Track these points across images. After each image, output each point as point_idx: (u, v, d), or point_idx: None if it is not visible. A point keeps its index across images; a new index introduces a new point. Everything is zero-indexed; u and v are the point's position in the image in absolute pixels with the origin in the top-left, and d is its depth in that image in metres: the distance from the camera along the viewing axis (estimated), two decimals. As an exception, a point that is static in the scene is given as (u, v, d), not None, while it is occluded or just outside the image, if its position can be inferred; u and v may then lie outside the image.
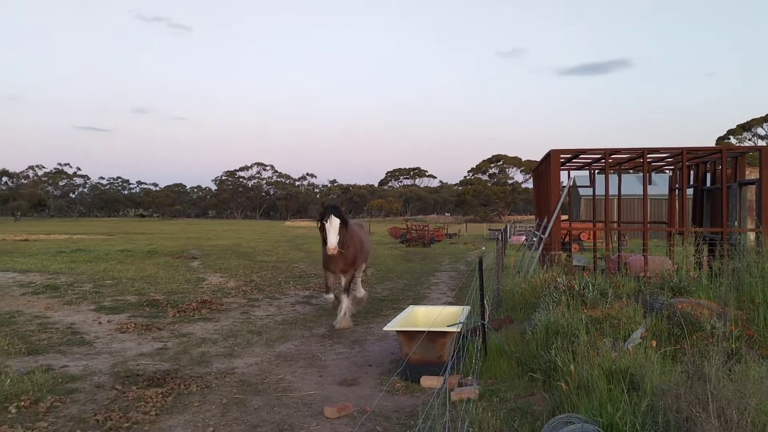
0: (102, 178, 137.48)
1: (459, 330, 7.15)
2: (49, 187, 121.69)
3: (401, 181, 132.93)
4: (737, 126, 68.61)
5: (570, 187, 18.20)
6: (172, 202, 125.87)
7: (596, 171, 18.62)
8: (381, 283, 16.79)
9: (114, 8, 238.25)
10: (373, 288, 15.60)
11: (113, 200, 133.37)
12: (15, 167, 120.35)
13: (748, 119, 67.80)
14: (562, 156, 14.73)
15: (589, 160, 16.50)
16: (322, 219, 10.06)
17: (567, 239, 20.89)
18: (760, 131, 67.69)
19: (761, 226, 12.19)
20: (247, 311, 11.88)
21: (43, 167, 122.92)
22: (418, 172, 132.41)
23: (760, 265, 8.29)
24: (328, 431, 5.46)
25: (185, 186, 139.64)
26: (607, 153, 14.10)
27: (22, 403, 6.01)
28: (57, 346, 8.69)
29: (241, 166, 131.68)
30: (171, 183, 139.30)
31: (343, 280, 10.76)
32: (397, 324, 7.56)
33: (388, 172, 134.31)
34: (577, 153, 14.70)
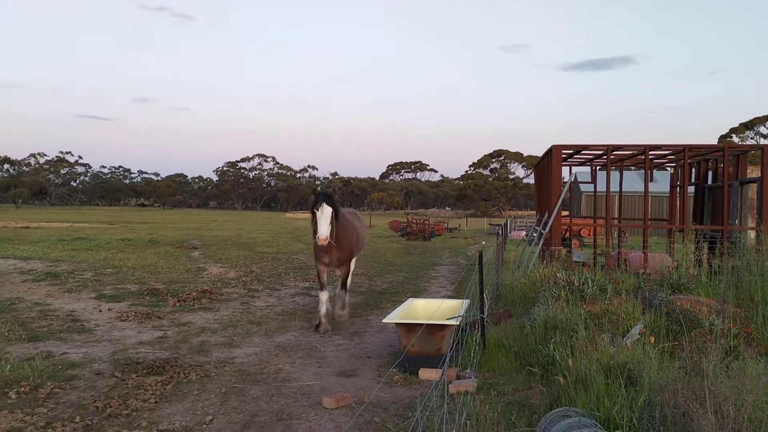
0: (103, 166, 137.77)
1: (458, 323, 7.18)
2: (51, 175, 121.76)
3: (402, 175, 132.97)
4: (740, 124, 68.44)
5: (571, 182, 18.19)
6: (173, 192, 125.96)
7: (598, 167, 18.60)
8: (381, 276, 16.81)
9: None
10: (372, 281, 15.63)
11: (114, 189, 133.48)
12: (16, 155, 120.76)
13: (751, 118, 67.63)
14: (563, 151, 14.71)
15: (591, 156, 16.48)
16: (313, 207, 9.20)
17: (567, 235, 20.90)
18: (763, 130, 67.53)
19: (762, 224, 12.19)
20: (247, 302, 11.91)
21: (45, 155, 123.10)
22: (420, 166, 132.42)
23: (759, 264, 8.30)
24: (327, 421, 5.49)
25: (186, 176, 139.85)
26: (609, 149, 14.08)
27: (22, 389, 6.04)
28: (57, 333, 8.72)
29: (242, 157, 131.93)
30: (172, 173, 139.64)
31: (339, 273, 10.15)
32: (396, 316, 7.58)
33: (389, 166, 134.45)
34: (579, 149, 14.68)
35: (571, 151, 15.17)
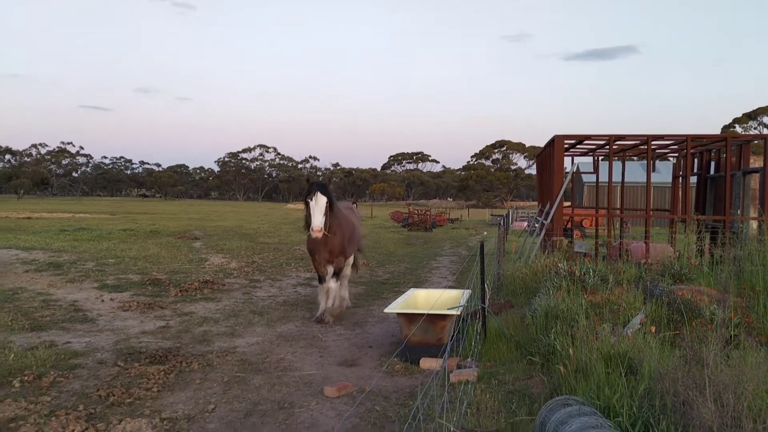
0: (105, 157, 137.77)
1: (459, 313, 7.19)
2: (52, 166, 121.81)
3: (404, 166, 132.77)
4: (743, 115, 68.18)
5: (573, 173, 18.17)
6: (175, 182, 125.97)
7: (600, 157, 18.57)
8: (382, 266, 16.84)
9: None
10: (374, 271, 15.66)
11: (116, 180, 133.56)
12: (18, 145, 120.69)
13: (755, 108, 67.36)
14: (566, 141, 14.68)
15: (593, 147, 16.44)
16: (307, 197, 8.76)
17: (569, 225, 20.89)
18: (766, 120, 67.27)
19: (764, 214, 12.18)
20: (249, 292, 11.94)
21: (46, 145, 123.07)
22: (421, 157, 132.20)
23: (761, 254, 8.29)
24: (328, 410, 5.52)
25: (188, 167, 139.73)
26: (612, 139, 14.05)
27: (26, 378, 6.08)
28: (60, 323, 8.76)
29: (243, 147, 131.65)
30: (173, 163, 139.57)
31: (330, 269, 9.56)
32: (397, 306, 7.60)
33: (390, 156, 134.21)
34: (581, 139, 14.64)
35: (573, 142, 15.14)
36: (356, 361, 7.27)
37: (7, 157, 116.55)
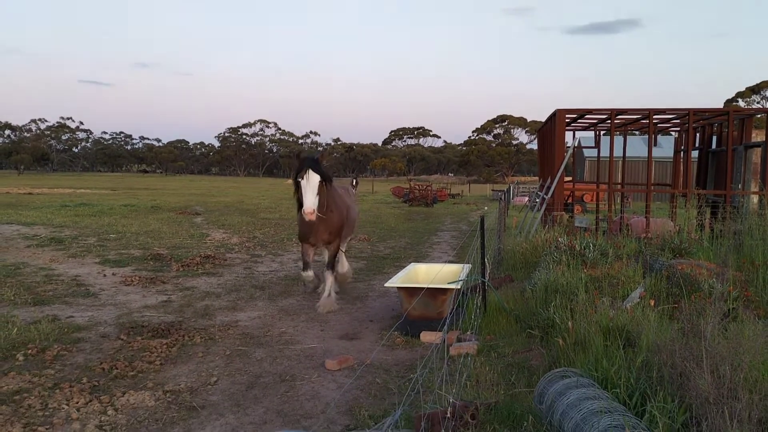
0: (105, 132, 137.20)
1: (459, 287, 7.23)
2: (52, 141, 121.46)
3: (405, 141, 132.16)
4: (746, 88, 67.70)
5: (575, 147, 18.10)
6: (175, 158, 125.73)
7: (601, 132, 18.48)
8: (383, 241, 16.88)
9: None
10: (375, 246, 15.70)
11: (116, 155, 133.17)
12: (17, 120, 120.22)
13: (758, 81, 66.82)
14: (567, 116, 14.60)
15: (595, 121, 16.36)
16: (298, 175, 7.85)
17: (570, 200, 20.88)
18: (770, 94, 66.77)
19: (765, 188, 12.15)
20: (250, 267, 11.99)
21: (46, 121, 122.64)
22: (422, 132, 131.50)
23: (761, 228, 8.30)
24: (329, 382, 5.58)
25: (188, 142, 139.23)
26: (613, 113, 13.96)
27: (29, 351, 6.14)
28: (62, 298, 8.82)
29: (244, 122, 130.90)
30: (174, 139, 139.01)
31: (326, 254, 8.82)
32: (398, 281, 7.64)
33: (391, 132, 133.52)
34: (582, 113, 14.56)
35: (574, 116, 15.05)
36: (357, 334, 7.33)
37: (7, 132, 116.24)
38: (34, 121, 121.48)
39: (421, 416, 3.98)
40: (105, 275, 10.61)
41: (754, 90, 67.31)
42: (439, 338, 6.41)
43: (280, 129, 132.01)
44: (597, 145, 18.43)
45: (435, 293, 7.04)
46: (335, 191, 8.78)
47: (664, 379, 3.80)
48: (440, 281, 7.56)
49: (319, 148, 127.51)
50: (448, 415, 3.80)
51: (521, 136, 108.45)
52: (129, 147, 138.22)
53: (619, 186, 18.29)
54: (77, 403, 4.89)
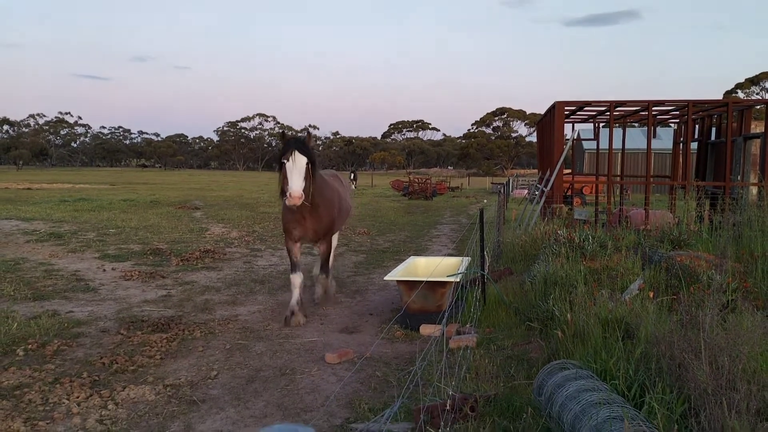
0: (103, 127, 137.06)
1: (458, 280, 7.24)
2: (51, 136, 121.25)
3: (404, 134, 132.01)
4: (746, 80, 67.58)
5: (574, 140, 18.09)
6: (174, 152, 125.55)
7: (600, 124, 18.46)
8: (383, 234, 16.88)
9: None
10: (374, 240, 15.70)
11: (115, 150, 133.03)
12: (15, 115, 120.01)
13: (758, 72, 66.68)
14: (566, 108, 14.59)
15: (594, 113, 16.34)
16: (282, 157, 6.91)
17: (569, 193, 20.88)
18: (769, 85, 66.66)
19: (764, 180, 12.15)
20: (250, 261, 12.00)
21: (44, 116, 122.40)
22: (422, 125, 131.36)
23: (760, 219, 8.30)
24: (329, 375, 5.59)
25: (187, 136, 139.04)
26: (612, 105, 13.94)
27: (30, 346, 6.15)
28: (62, 293, 8.82)
29: (243, 116, 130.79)
30: (172, 133, 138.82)
31: (317, 251, 8.03)
32: (397, 274, 7.64)
33: (391, 125, 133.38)
34: (581, 105, 14.54)
35: (573, 108, 15.03)
36: (357, 328, 7.34)
37: (5, 127, 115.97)
38: (32, 116, 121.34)
39: (421, 409, 3.99)
40: (105, 270, 10.62)
41: (754, 81, 67.18)
42: (438, 331, 6.42)
43: (279, 123, 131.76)
44: (596, 137, 18.40)
45: (434, 286, 7.05)
46: (324, 178, 7.83)
47: (662, 370, 3.81)
48: (439, 274, 7.57)
49: (318, 142, 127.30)
50: (448, 407, 3.81)
51: (520, 129, 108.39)
52: (128, 141, 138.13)
53: (618, 178, 18.29)
54: (78, 397, 4.90)
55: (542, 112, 18.25)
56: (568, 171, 20.49)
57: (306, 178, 6.87)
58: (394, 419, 4.20)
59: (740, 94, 65.97)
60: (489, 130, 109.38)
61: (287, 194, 6.81)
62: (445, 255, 11.81)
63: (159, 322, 7.18)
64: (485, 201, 29.72)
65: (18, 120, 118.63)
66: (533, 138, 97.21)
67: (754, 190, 12.92)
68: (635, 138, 36.88)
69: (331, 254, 8.62)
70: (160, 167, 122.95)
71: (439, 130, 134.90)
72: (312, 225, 7.47)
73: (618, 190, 19.03)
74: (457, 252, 12.87)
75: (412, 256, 9.19)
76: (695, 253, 7.40)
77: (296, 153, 6.86)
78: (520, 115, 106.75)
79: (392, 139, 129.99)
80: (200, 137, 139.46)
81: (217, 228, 17.13)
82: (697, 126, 16.43)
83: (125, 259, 11.73)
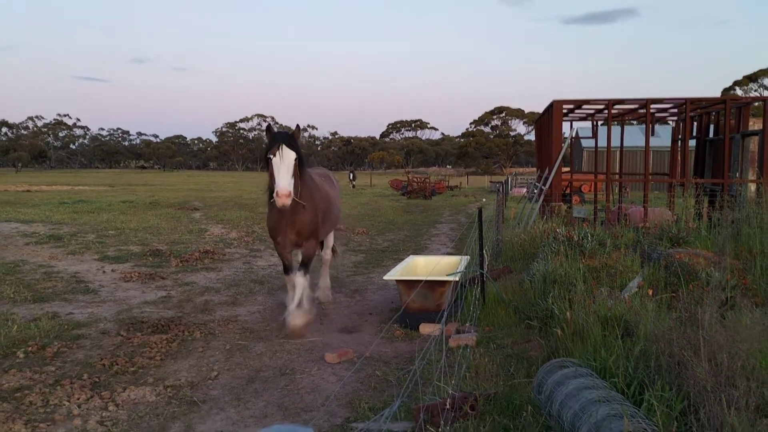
0: (102, 129, 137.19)
1: (457, 279, 7.24)
2: (49, 138, 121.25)
3: (403, 134, 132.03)
4: (744, 77, 67.52)
5: (572, 138, 18.10)
6: (173, 153, 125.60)
7: (599, 122, 18.47)
8: (382, 234, 16.89)
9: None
10: (373, 239, 15.70)
11: (114, 151, 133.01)
12: (14, 118, 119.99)
13: (755, 70, 66.67)
14: (564, 106, 14.59)
15: (592, 111, 16.34)
16: (269, 152, 6.32)
17: (568, 191, 20.88)
18: (767, 82, 66.66)
19: (762, 177, 12.16)
20: (249, 261, 12.00)
21: (43, 118, 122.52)
22: (420, 124, 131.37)
23: (759, 216, 8.31)
24: (329, 375, 5.60)
25: (186, 137, 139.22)
26: (610, 103, 13.95)
27: (30, 349, 6.15)
28: (62, 294, 8.82)
29: (241, 117, 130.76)
30: (171, 134, 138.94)
31: (300, 255, 7.29)
32: (396, 273, 7.65)
33: (389, 124, 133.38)
34: (579, 103, 14.55)
35: (571, 106, 15.04)
36: (356, 327, 7.34)
37: (4, 129, 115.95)
38: (31, 118, 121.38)
39: (421, 408, 4.00)
40: (104, 272, 10.61)
41: (752, 78, 67.16)
42: (438, 330, 6.43)
43: (277, 123, 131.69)
44: (594, 135, 18.40)
45: (434, 285, 7.06)
46: (312, 178, 7.24)
47: (662, 368, 3.81)
48: (439, 273, 7.57)
49: (316, 142, 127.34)
50: (448, 406, 3.82)
51: (519, 128, 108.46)
52: (126, 143, 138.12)
53: (617, 176, 18.30)
54: (78, 399, 4.91)
55: (540, 111, 18.26)
56: (567, 169, 20.50)
57: (294, 175, 6.38)
58: (394, 418, 4.21)
59: (738, 92, 65.96)
60: (487, 129, 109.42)
61: (275, 192, 6.22)
62: (444, 254, 11.81)
63: (159, 323, 7.18)
64: (484, 200, 29.72)
65: (17, 122, 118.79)
66: (532, 136, 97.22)
67: (752, 187, 12.93)
68: (634, 136, 36.92)
69: (326, 268, 8.75)
70: (159, 168, 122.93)
71: (437, 129, 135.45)
72: (297, 226, 6.83)
73: (617, 188, 19.04)
74: (456, 251, 12.88)
75: (411, 256, 9.19)
76: (694, 251, 7.41)
77: (284, 147, 6.32)
78: (519, 113, 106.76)
79: (391, 139, 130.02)
80: (199, 138, 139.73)
81: (217, 229, 17.12)
82: (695, 123, 16.43)
83: (125, 260, 11.73)
